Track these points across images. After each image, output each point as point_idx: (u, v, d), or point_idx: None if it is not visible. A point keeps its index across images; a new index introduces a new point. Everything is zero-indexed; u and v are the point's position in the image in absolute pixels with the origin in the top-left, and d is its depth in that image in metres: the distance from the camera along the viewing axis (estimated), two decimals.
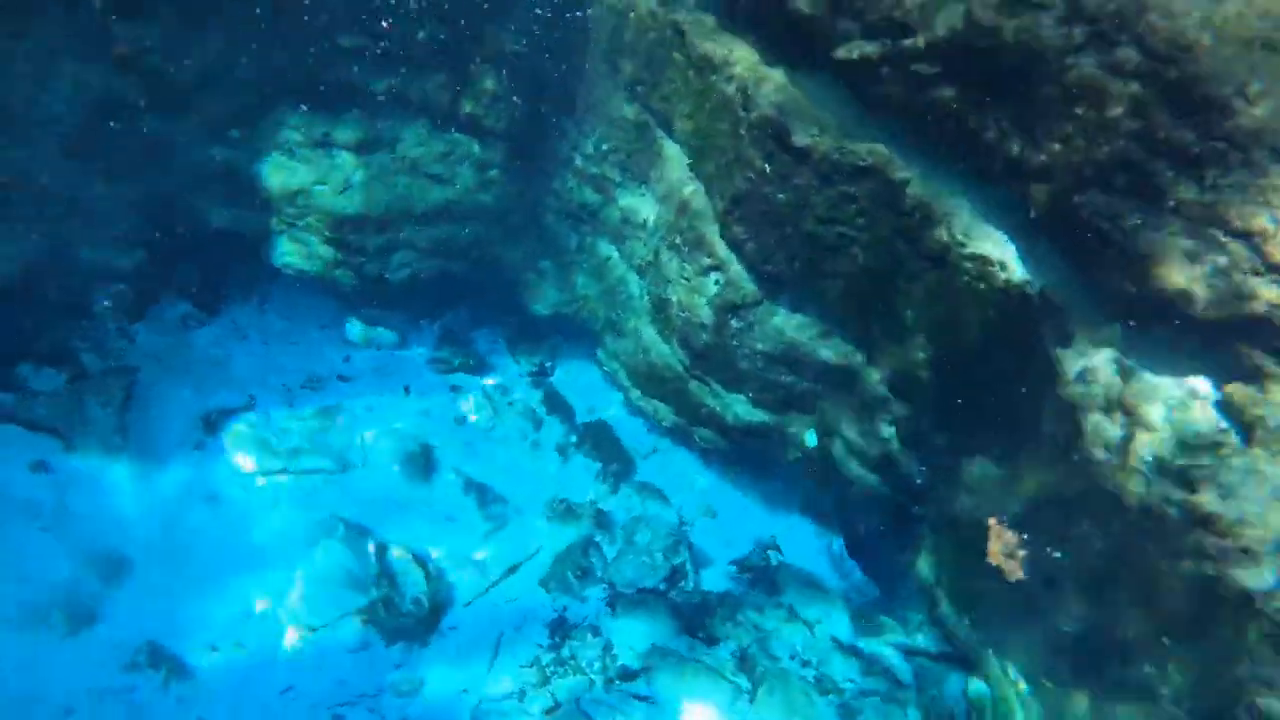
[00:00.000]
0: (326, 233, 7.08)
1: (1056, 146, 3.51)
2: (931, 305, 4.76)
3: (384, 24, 6.00)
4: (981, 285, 4.30)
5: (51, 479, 5.83)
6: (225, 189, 6.85)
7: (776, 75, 5.08)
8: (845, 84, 4.68)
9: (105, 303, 6.71)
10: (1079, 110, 3.33)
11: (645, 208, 6.90)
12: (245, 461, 6.53)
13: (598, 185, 7.33)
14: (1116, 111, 3.17)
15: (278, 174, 6.81)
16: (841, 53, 4.34)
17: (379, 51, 6.25)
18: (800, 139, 4.89)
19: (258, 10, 5.74)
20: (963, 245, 4.32)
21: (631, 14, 5.86)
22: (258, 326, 7.64)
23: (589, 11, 6.43)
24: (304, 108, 6.66)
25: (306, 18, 5.86)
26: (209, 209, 6.96)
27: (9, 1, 5.20)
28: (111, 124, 5.99)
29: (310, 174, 6.86)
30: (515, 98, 6.87)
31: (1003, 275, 4.17)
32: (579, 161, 7.35)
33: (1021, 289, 4.11)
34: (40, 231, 6.16)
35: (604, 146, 7.05)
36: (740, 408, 6.72)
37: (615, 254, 7.53)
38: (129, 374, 6.59)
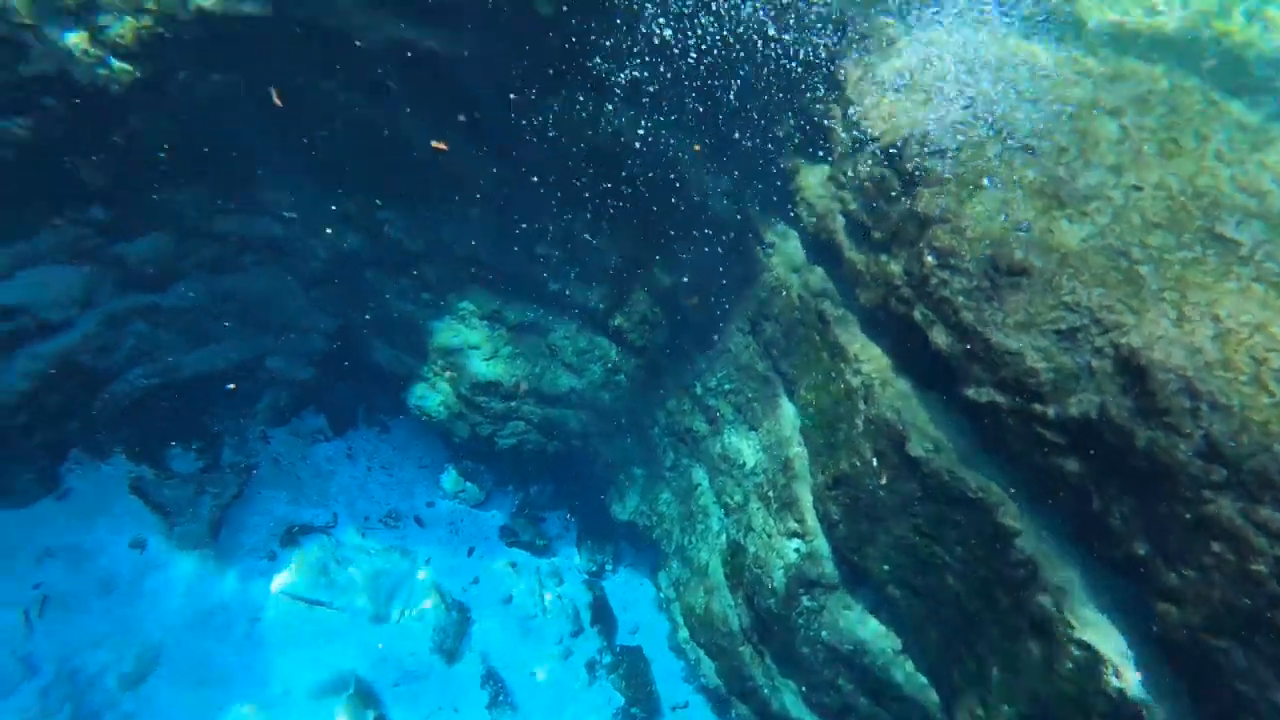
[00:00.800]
0: (463, 389, 7.85)
1: (1190, 573, 3.21)
2: (1026, 677, 4.23)
3: (571, 246, 7.08)
4: (1089, 683, 3.80)
5: (140, 559, 6.32)
6: (397, 335, 7.96)
7: (902, 384, 5.24)
8: (969, 415, 4.71)
9: (265, 405, 7.70)
10: (1217, 547, 3.07)
11: (748, 451, 7.02)
12: (299, 584, 6.76)
13: (709, 416, 7.63)
14: (1260, 569, 2.88)
15: (444, 333, 7.84)
16: (971, 393, 4.42)
17: (563, 262, 7.32)
18: (915, 449, 4.89)
19: (485, 215, 7.05)
20: (1072, 629, 3.91)
21: (784, 292, 6.48)
22: (367, 452, 8.32)
23: (745, 269, 7.20)
24: (487, 288, 7.79)
25: (518, 228, 7.09)
26: (378, 347, 8.06)
27: (325, 180, 6.78)
28: (345, 272, 7.37)
29: (470, 338, 7.83)
30: (661, 324, 7.61)
31: (1116, 683, 3.67)
32: (699, 390, 7.77)
33: (1137, 709, 3.57)
34: (256, 338, 7.43)
35: (726, 385, 7.45)
36: (789, 698, 6.07)
37: (706, 483, 7.59)
38: (248, 472, 7.30)
